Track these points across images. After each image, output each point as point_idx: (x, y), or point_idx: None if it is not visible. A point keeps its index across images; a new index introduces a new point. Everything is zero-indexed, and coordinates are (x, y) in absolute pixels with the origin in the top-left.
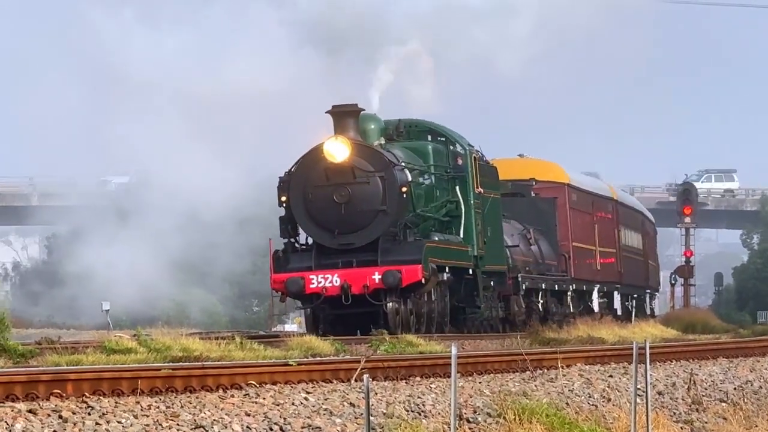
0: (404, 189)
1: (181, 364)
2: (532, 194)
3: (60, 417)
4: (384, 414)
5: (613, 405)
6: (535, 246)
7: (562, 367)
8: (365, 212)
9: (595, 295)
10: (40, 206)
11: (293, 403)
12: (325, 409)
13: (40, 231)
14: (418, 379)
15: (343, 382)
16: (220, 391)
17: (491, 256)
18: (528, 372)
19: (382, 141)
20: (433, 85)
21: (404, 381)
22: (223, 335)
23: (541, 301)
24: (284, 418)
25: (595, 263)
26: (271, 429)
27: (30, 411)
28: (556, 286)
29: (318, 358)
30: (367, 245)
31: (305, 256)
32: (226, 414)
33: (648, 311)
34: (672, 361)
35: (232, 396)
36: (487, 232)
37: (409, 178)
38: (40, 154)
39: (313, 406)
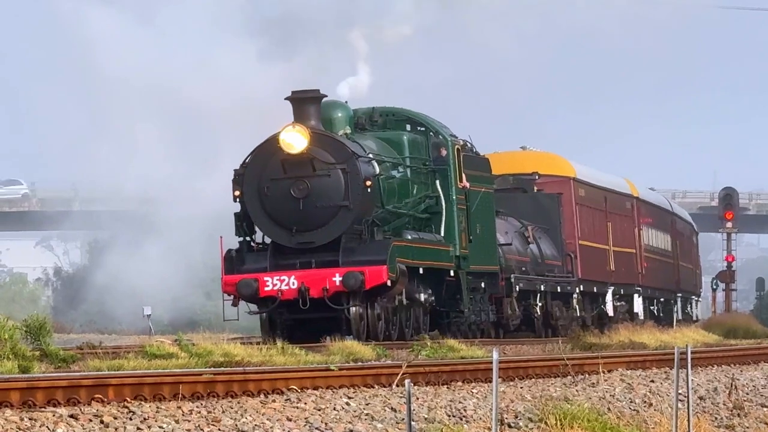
0: (369, 183)
1: (222, 369)
2: (535, 189)
3: (101, 422)
4: (425, 419)
5: (655, 410)
6: (534, 245)
7: (604, 372)
8: (326, 208)
9: (608, 297)
10: (81, 211)
11: (334, 408)
12: (367, 414)
13: (81, 236)
14: (459, 383)
15: (384, 387)
16: (262, 396)
17: (479, 255)
18: (569, 377)
19: (348, 130)
20: (429, 72)
21: (445, 386)
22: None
23: (540, 304)
24: (325, 423)
25: (609, 264)
26: None
27: (71, 416)
28: (559, 287)
29: (359, 363)
30: (328, 244)
31: (261, 257)
32: (267, 419)
33: (678, 316)
34: (713, 366)
35: (274, 401)
36: (475, 230)
37: (377, 171)
38: (82, 160)
39: (355, 411)
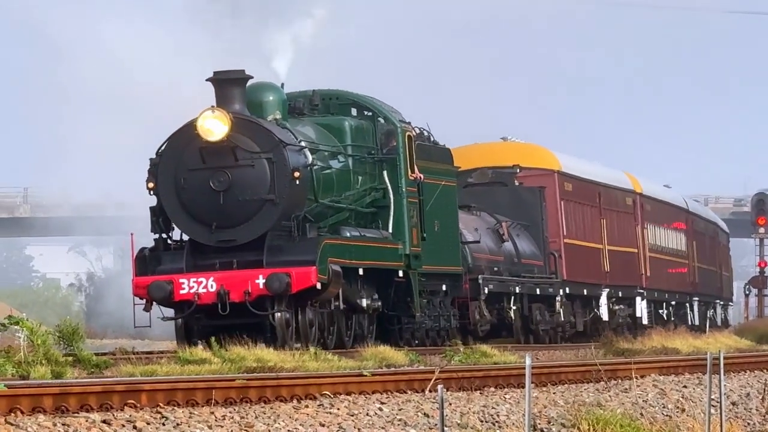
0: (297, 174)
1: (255, 374)
2: (516, 183)
3: (134, 427)
4: (458, 424)
5: (687, 415)
6: (509, 243)
7: (636, 378)
8: (249, 202)
9: (603, 300)
10: (115, 216)
11: (368, 414)
12: (400, 420)
13: (114, 242)
14: (492, 389)
15: (417, 392)
16: (295, 401)
17: (436, 254)
18: (602, 382)
19: (278, 115)
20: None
21: (478, 391)
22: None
23: (514, 308)
24: (358, 429)
25: (603, 264)
26: None
27: (104, 421)
28: (539, 289)
29: (392, 369)
30: (251, 243)
31: (177, 256)
32: (300, 424)
33: (693, 321)
34: (746, 372)
35: (307, 407)
36: (432, 227)
37: (309, 161)
38: (116, 164)
39: (388, 417)
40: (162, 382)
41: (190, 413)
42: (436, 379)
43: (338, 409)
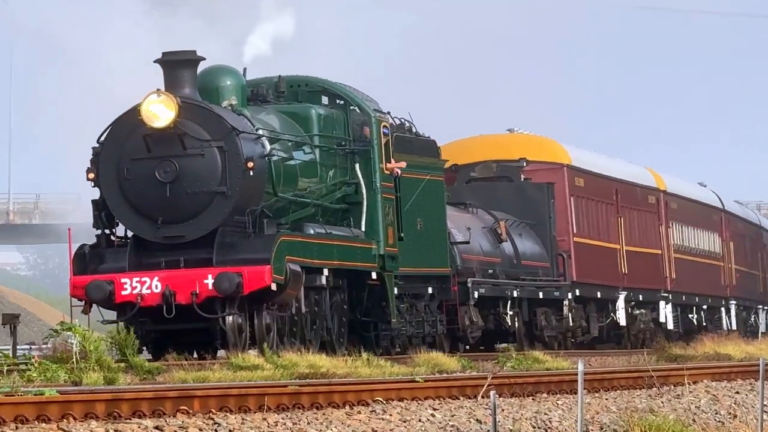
0: (251, 164)
1: (307, 380)
2: (522, 178)
3: None
4: (511, 430)
5: (740, 422)
6: (507, 243)
7: (689, 384)
8: (198, 195)
9: (620, 304)
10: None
11: (420, 420)
12: (452, 426)
13: None
14: (544, 395)
15: (469, 398)
16: (347, 407)
17: (417, 255)
18: (654, 388)
19: (234, 101)
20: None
21: (531, 397)
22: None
23: (510, 313)
24: None
25: (620, 265)
26: None
27: (156, 428)
28: (542, 293)
29: (445, 375)
30: (201, 239)
31: (121, 254)
32: (353, 430)
33: (729, 327)
34: None
35: (359, 412)
36: (414, 225)
37: (266, 151)
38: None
39: (440, 423)
40: (214, 388)
41: (243, 419)
42: (488, 385)
43: (390, 415)
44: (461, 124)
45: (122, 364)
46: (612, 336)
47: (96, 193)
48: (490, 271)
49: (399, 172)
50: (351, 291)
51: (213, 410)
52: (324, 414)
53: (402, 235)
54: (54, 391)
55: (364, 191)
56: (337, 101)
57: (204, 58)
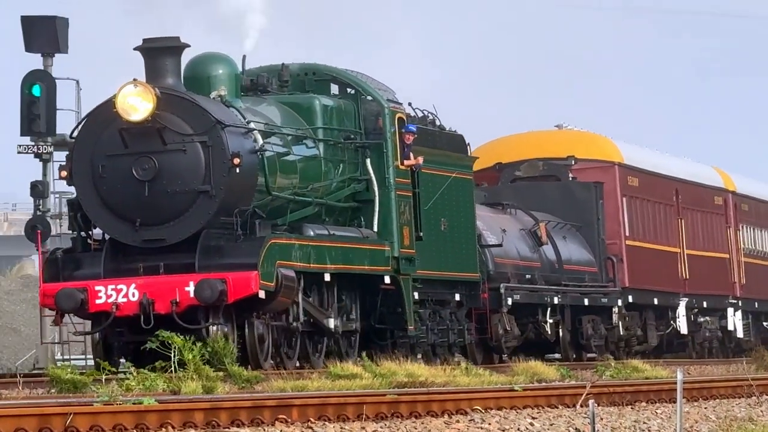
0: (237, 160)
1: (406, 389)
2: (570, 177)
3: None
4: None
5: None
6: (548, 246)
7: None
8: (179, 194)
9: (681, 311)
10: None
11: (518, 429)
12: None
13: None
14: (643, 404)
15: (568, 407)
16: (446, 416)
17: (442, 258)
18: (754, 397)
19: (223, 91)
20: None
21: (629, 406)
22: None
23: (551, 321)
24: None
25: (680, 270)
26: None
27: None
28: (587, 300)
29: (543, 384)
30: (184, 243)
31: (97, 259)
32: None
33: None
34: None
35: (458, 421)
36: (437, 225)
37: (256, 145)
38: None
39: (539, 431)
40: (313, 396)
41: (341, 428)
42: (587, 394)
43: (489, 424)
44: (510, 121)
45: (221, 373)
46: (676, 345)
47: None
48: (528, 276)
49: (417, 167)
50: (363, 296)
51: (311, 419)
52: (423, 423)
53: (421, 234)
54: (153, 400)
55: (376, 188)
56: (348, 91)
57: (188, 45)
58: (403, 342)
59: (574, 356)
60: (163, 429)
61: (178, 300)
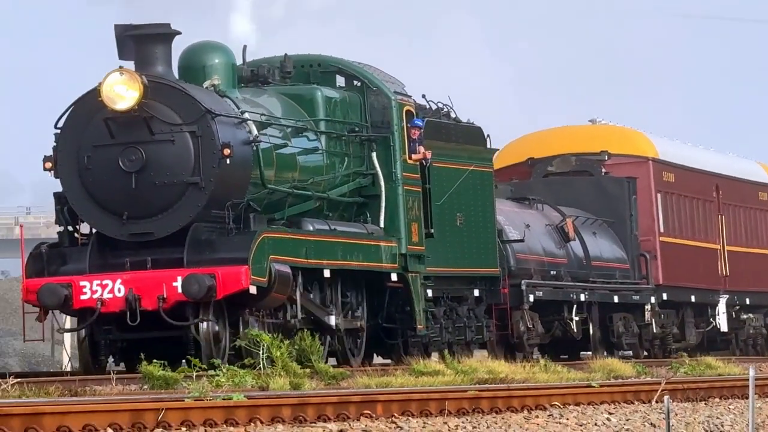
0: (228, 151)
1: (487, 386)
2: (603, 172)
3: None
4: None
5: None
6: (576, 242)
7: None
8: (168, 186)
9: (721, 308)
10: None
11: (596, 424)
12: (627, 429)
13: None
14: (716, 400)
15: (644, 403)
16: (525, 411)
17: (458, 253)
18: None
19: (216, 80)
20: None
21: (703, 402)
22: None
23: (577, 318)
24: None
25: (720, 267)
26: None
27: (341, 431)
28: (617, 297)
29: (620, 380)
30: (173, 237)
31: (83, 254)
32: None
33: None
34: None
35: (537, 417)
36: (453, 220)
37: (249, 136)
38: None
39: (615, 427)
40: (397, 393)
41: (424, 423)
42: (662, 390)
43: (567, 419)
44: (544, 116)
45: (307, 370)
46: (719, 342)
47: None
48: (553, 272)
49: (427, 161)
50: (371, 294)
51: (395, 414)
52: (503, 418)
53: (432, 231)
54: (242, 396)
55: (382, 183)
56: (355, 83)
57: (179, 32)
58: (415, 341)
59: (605, 354)
60: (252, 424)
61: (165, 296)
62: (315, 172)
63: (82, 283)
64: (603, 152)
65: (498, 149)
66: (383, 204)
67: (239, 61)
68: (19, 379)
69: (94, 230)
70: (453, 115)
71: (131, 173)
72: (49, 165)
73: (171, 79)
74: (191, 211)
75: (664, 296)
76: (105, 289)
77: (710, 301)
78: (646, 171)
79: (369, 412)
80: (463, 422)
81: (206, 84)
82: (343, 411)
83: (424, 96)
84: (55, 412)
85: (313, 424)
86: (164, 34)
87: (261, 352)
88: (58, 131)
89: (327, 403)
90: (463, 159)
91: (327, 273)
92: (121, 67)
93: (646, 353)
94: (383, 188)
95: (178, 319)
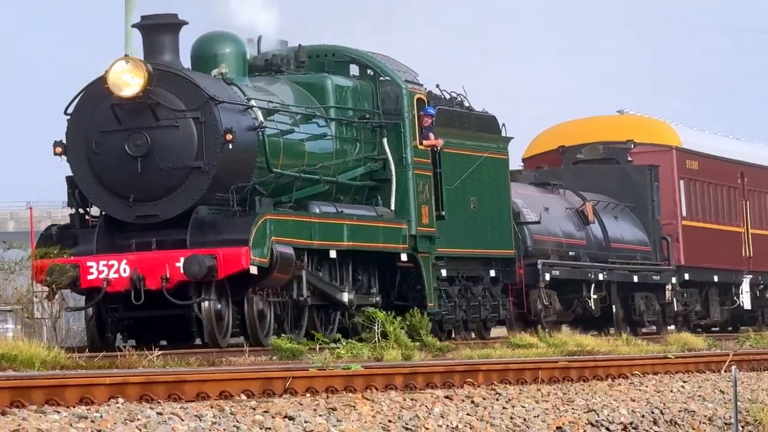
0: (229, 137)
1: (575, 357)
2: (628, 160)
3: (472, 402)
4: (749, 400)
5: None
6: (595, 225)
7: None
8: (172, 170)
9: (744, 287)
10: None
11: (671, 391)
12: (699, 396)
13: None
14: None
15: (714, 372)
16: (609, 380)
17: (471, 235)
18: None
19: (224, 69)
20: None
21: (767, 371)
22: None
23: (595, 297)
24: (663, 403)
25: (744, 249)
26: (653, 412)
27: (447, 397)
28: (636, 277)
29: (693, 352)
30: (178, 219)
31: (91, 235)
32: (614, 400)
33: None
34: None
35: (619, 384)
36: (466, 203)
37: (254, 123)
38: None
39: (689, 393)
40: (496, 363)
41: (520, 390)
42: (730, 361)
43: (646, 387)
44: (573, 106)
45: (417, 343)
46: (747, 319)
47: None
48: (572, 253)
49: (438, 147)
50: (383, 274)
51: (495, 382)
52: (589, 386)
53: (443, 213)
54: (359, 366)
55: (392, 167)
56: (368, 72)
57: (186, 22)
58: (429, 319)
59: (629, 331)
60: (368, 390)
61: (168, 276)
62: (324, 157)
63: (89, 264)
64: (629, 141)
65: (512, 137)
66: (394, 187)
67: (255, 52)
68: (163, 351)
69: (102, 212)
70: (466, 104)
71: (137, 158)
72: (59, 150)
73: (176, 67)
74: (195, 195)
75: (686, 276)
76: (111, 269)
77: (734, 281)
78: (669, 159)
79: (471, 380)
80: (554, 389)
81: (214, 72)
82: (449, 379)
83: (437, 86)
84: (194, 380)
85: (422, 391)
86: (172, 24)
87: (376, 327)
88: (68, 117)
89: (434, 372)
90: (477, 146)
91: (333, 254)
92: (126, 55)
93: (672, 328)
94: (394, 172)
95: (181, 299)
